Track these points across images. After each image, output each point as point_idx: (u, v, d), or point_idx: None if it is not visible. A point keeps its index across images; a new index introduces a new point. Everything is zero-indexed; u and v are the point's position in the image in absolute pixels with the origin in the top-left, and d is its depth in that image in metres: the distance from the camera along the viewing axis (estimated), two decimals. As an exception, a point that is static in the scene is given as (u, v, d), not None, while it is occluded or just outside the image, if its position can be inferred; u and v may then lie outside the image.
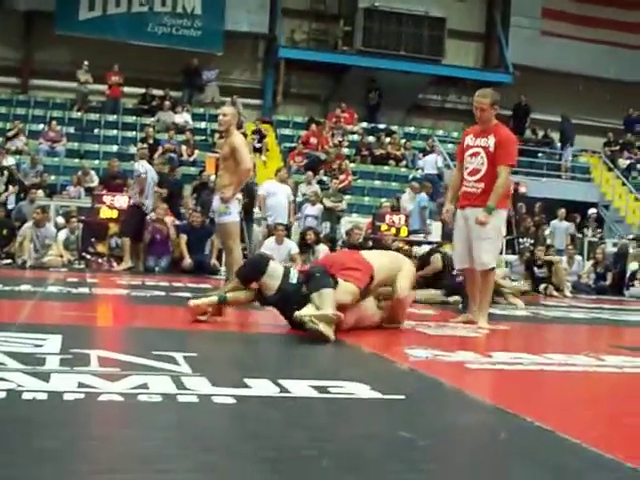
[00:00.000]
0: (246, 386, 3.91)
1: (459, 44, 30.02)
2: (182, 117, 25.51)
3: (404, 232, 18.69)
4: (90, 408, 3.45)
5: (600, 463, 2.91)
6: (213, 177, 20.42)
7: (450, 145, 26.89)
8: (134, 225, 16.04)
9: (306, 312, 6.14)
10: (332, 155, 24.23)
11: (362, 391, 3.94)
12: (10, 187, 19.55)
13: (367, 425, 3.41)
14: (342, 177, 23.75)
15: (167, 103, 25.72)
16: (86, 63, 25.17)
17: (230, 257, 9.85)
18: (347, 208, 21.95)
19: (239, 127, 24.83)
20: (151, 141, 23.04)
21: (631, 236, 22.50)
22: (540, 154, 27.90)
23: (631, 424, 3.79)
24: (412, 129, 29.24)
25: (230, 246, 9.83)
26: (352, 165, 25.04)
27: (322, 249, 17.11)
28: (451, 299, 11.60)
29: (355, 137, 27.08)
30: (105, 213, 17.11)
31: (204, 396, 3.66)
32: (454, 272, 11.04)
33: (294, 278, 6.77)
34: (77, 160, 22.58)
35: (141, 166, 16.13)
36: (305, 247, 16.78)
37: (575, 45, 30.17)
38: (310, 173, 22.57)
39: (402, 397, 3.96)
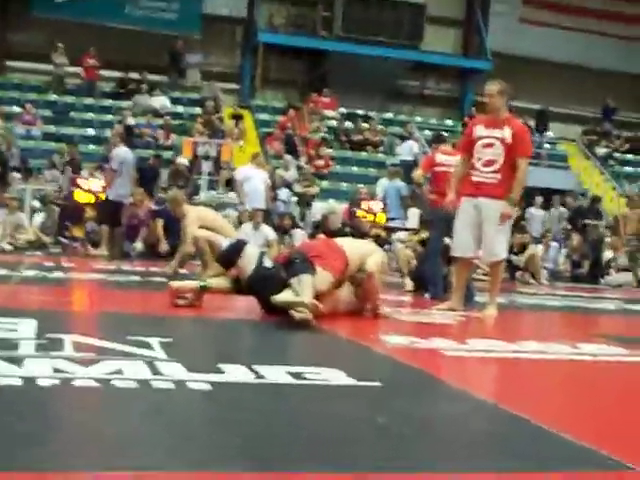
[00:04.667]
0: (221, 372, 3.89)
1: (438, 30, 29.98)
2: (159, 101, 25.41)
3: (381, 218, 18.65)
4: (64, 393, 3.42)
5: (575, 452, 2.92)
6: (184, 161, 20.45)
7: (427, 132, 26.88)
8: (111, 212, 15.89)
9: (284, 297, 6.16)
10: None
11: (338, 377, 3.94)
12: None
13: (342, 411, 3.40)
14: (320, 162, 23.75)
15: (144, 86, 25.60)
16: (61, 45, 25.00)
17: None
18: (324, 194, 21.94)
19: (217, 110, 24.92)
20: (132, 122, 23.06)
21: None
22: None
23: (606, 413, 3.80)
24: (390, 115, 29.22)
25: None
26: (329, 151, 25.02)
27: (299, 233, 17.09)
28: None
29: (333, 123, 27.04)
30: (80, 197, 16.98)
31: (179, 382, 3.64)
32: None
33: (268, 262, 6.81)
34: (53, 143, 22.42)
35: (116, 155, 15.92)
36: (282, 232, 16.76)
37: (555, 33, 30.22)
38: (288, 157, 22.57)
39: (378, 384, 3.95)
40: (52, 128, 23.81)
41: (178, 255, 11.34)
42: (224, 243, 7.50)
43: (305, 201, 20.53)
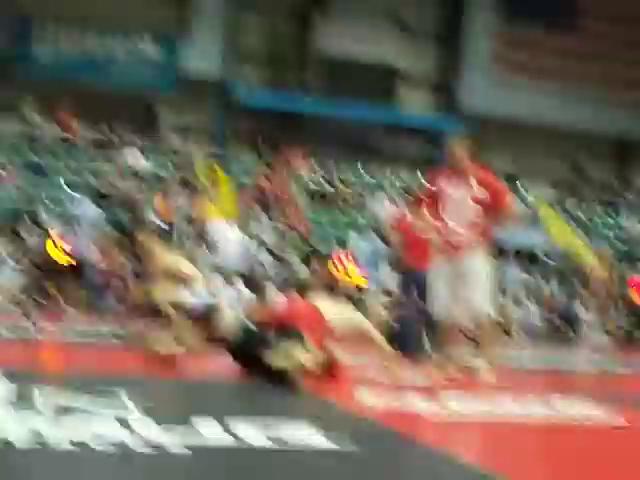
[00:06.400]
0: (200, 435, 3.88)
1: (412, 91, 30.23)
2: (136, 159, 25.40)
3: (355, 276, 18.62)
4: (41, 456, 3.40)
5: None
6: (155, 219, 20.37)
7: (401, 191, 27.03)
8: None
9: (281, 361, 6.23)
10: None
11: (318, 442, 3.92)
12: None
13: (321, 476, 3.40)
14: (295, 221, 23.82)
15: (120, 145, 25.58)
16: (34, 103, 25.02)
17: None
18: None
19: (192, 169, 24.91)
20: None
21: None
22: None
23: (589, 475, 3.81)
24: (364, 173, 29.32)
25: None
26: (304, 209, 25.05)
27: (273, 291, 17.04)
28: None
29: (307, 181, 27.09)
30: (58, 256, 16.88)
31: (159, 447, 3.62)
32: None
33: (248, 323, 6.81)
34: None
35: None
36: (258, 289, 16.76)
37: (528, 95, 30.53)
38: (262, 216, 22.62)
39: (356, 449, 3.94)
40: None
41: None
42: (191, 301, 7.39)
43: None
